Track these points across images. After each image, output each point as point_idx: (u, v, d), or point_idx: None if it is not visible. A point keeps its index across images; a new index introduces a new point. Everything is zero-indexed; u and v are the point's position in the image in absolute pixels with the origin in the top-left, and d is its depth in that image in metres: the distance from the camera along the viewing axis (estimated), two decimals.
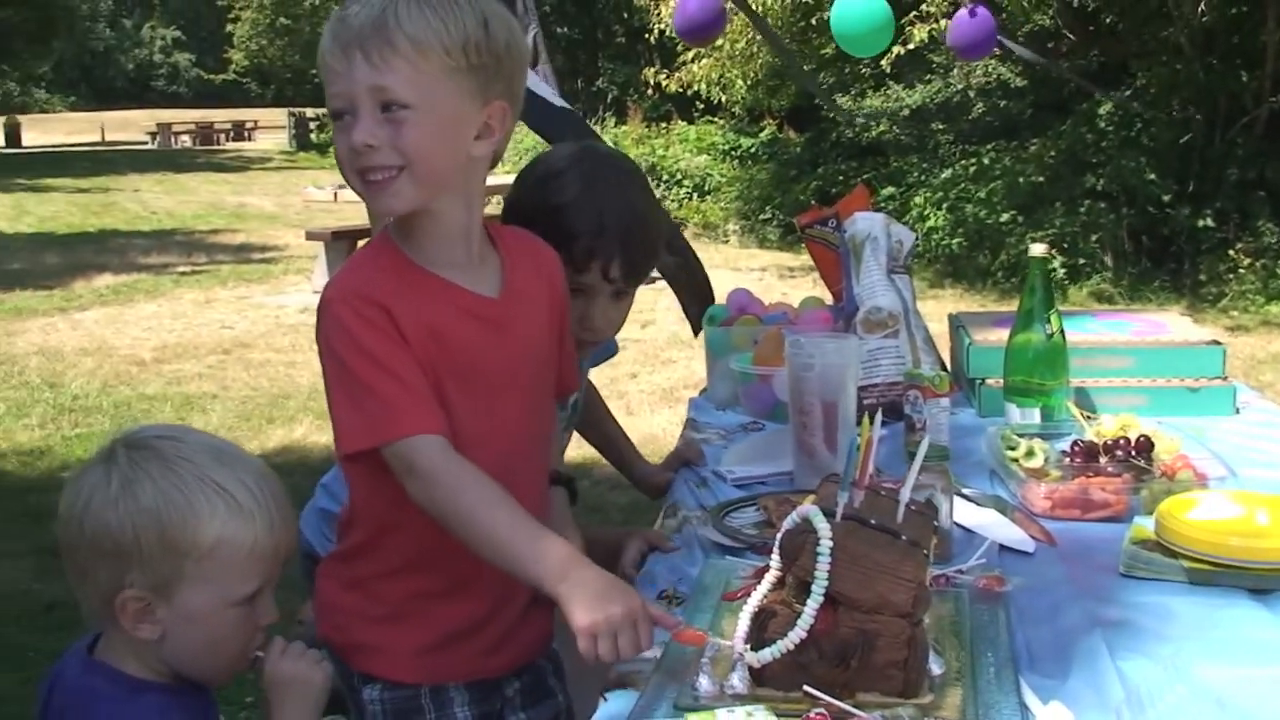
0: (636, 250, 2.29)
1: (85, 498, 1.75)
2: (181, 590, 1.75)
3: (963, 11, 6.97)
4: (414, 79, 1.77)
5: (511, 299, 1.96)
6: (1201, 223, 12.66)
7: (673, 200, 18.83)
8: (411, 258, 1.89)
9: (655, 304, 10.77)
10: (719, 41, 15.32)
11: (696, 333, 2.87)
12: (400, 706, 1.98)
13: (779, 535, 1.58)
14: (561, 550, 1.72)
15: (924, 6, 12.30)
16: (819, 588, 1.49)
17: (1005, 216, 13.65)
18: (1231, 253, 12.32)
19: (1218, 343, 2.96)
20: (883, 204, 15.16)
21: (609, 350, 2.76)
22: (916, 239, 3.13)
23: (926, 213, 14.48)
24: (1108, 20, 14.77)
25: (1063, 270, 12.66)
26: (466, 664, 1.98)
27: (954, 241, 13.93)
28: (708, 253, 16.09)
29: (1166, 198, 12.94)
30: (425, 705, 1.98)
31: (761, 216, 17.61)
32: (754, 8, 13.35)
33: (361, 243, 9.49)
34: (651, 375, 8.34)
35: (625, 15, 21.11)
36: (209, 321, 10.95)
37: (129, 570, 1.73)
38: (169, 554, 1.73)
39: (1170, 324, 3.14)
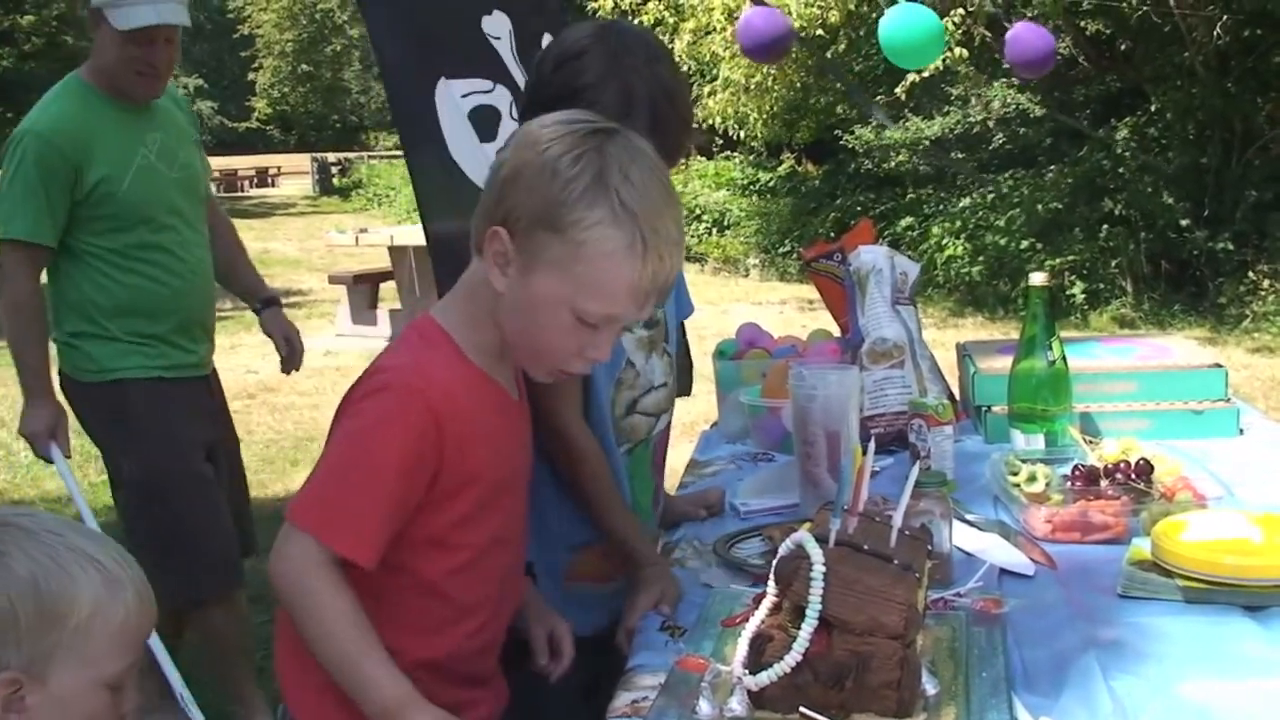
0: (668, 128, 2.19)
1: None
2: (55, 668, 1.65)
3: (1019, 27, 6.84)
4: None
5: (523, 399, 2.04)
6: (1220, 245, 12.65)
7: (693, 236, 18.90)
8: (469, 355, 1.90)
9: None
10: (734, 76, 15.42)
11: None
12: None
13: (774, 562, 1.63)
14: (392, 693, 1.75)
15: None
16: (813, 612, 1.53)
17: (1024, 244, 13.68)
18: (1251, 275, 12.31)
19: (1220, 365, 2.99)
20: (901, 234, 15.20)
21: (685, 311, 2.71)
22: (923, 269, 3.17)
23: (945, 242, 14.52)
24: (1123, 46, 14.82)
25: (1083, 296, 12.69)
26: None
27: (974, 270, 13.96)
28: (728, 287, 16.18)
29: (1185, 221, 12.95)
30: None
31: (781, 250, 17.66)
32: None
33: (385, 285, 9.48)
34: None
35: None
36: (233, 366, 11.00)
37: (4, 648, 1.63)
38: (46, 625, 1.64)
39: (1175, 348, 3.17)
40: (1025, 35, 6.73)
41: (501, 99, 3.39)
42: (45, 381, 3.77)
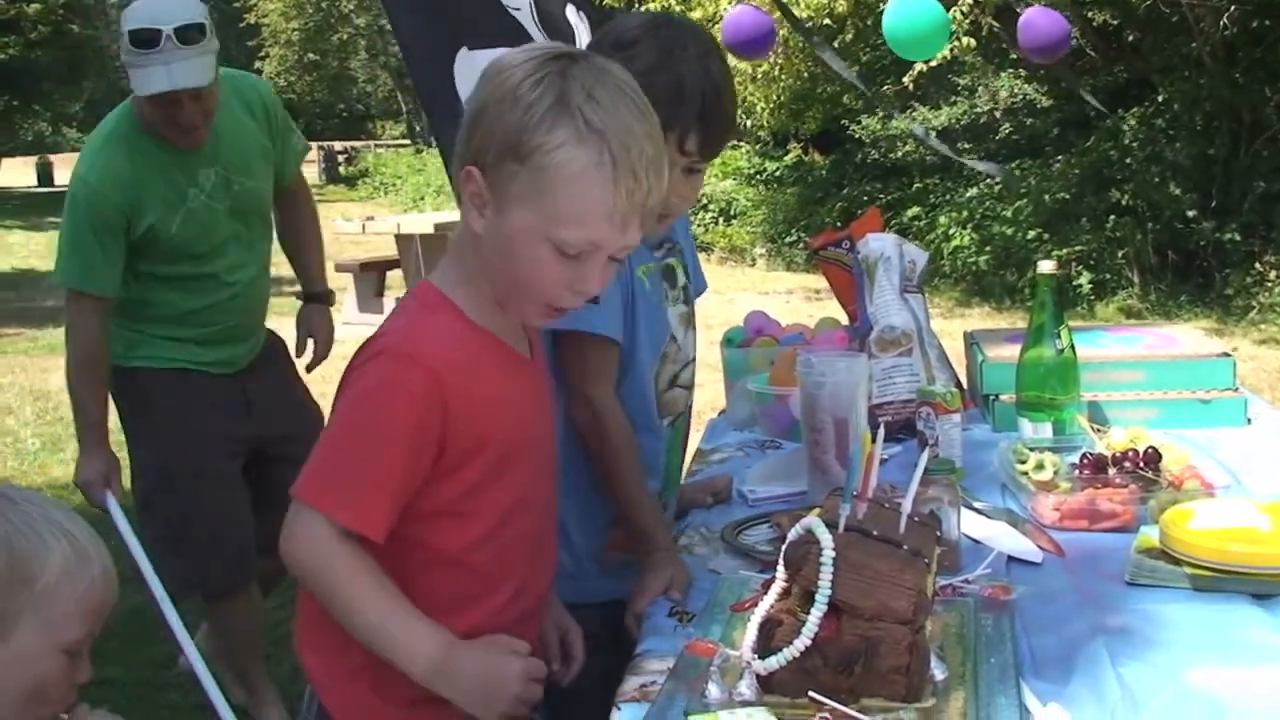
0: (714, 122, 2.21)
1: None
2: (19, 627, 1.73)
3: (1030, 11, 6.77)
4: None
5: (536, 359, 2.00)
6: (1227, 236, 12.63)
7: (699, 225, 18.89)
8: (472, 317, 1.85)
9: None
10: (741, 65, 15.39)
11: None
12: None
13: (784, 547, 1.63)
14: (432, 644, 1.75)
15: None
16: (822, 597, 1.54)
17: (1031, 234, 13.67)
18: (1259, 266, 12.29)
19: (1228, 354, 2.99)
20: (908, 224, 15.17)
21: (699, 287, 2.68)
22: (930, 259, 3.17)
23: (952, 232, 14.50)
24: (1130, 37, 14.78)
25: (1089, 286, 12.67)
26: None
27: (980, 260, 13.95)
28: (735, 276, 16.17)
29: (1192, 212, 12.92)
30: None
31: (788, 240, 17.66)
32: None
33: (392, 273, 9.51)
34: None
35: None
36: None
37: None
38: (15, 585, 1.72)
39: (1181, 337, 3.17)
40: (1038, 20, 6.67)
41: None
42: (101, 431, 3.78)
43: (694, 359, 2.55)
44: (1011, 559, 2.11)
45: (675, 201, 2.25)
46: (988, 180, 15.21)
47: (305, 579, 1.81)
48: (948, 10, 6.97)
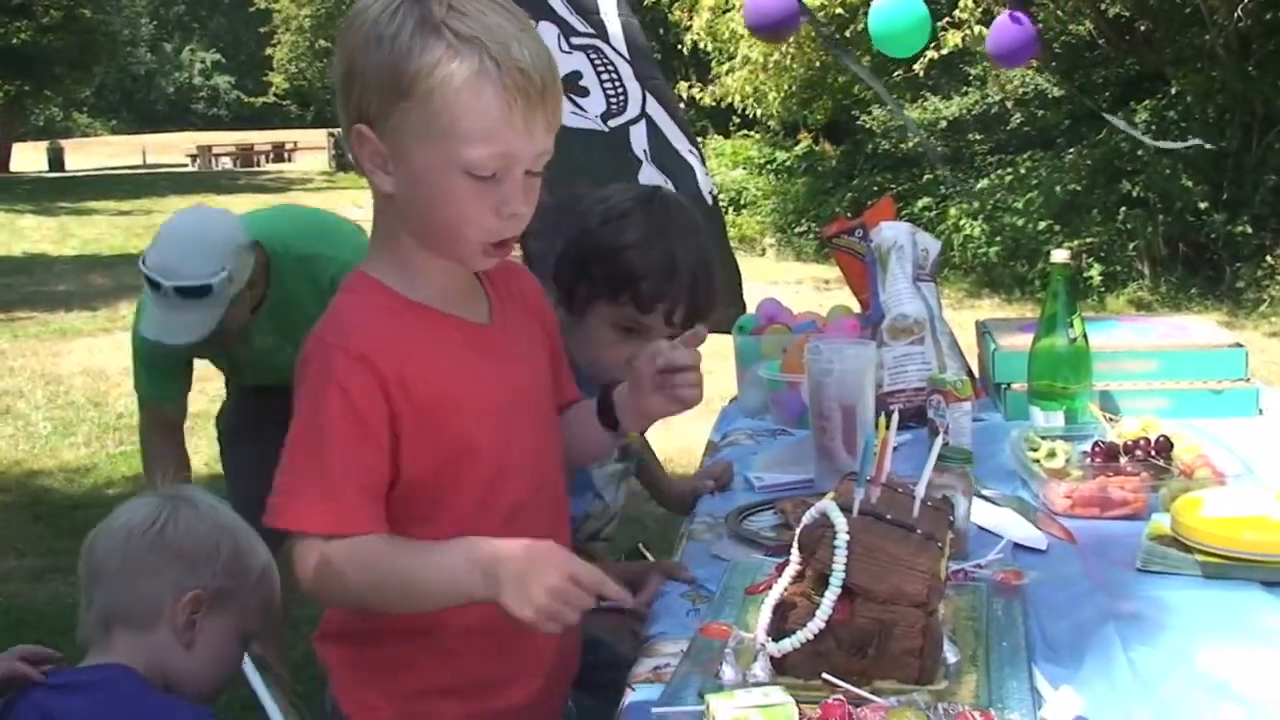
0: (702, 297, 2.30)
1: (166, 513, 2.02)
2: (223, 609, 1.98)
3: (1002, 17, 6.84)
4: None
5: (503, 325, 1.89)
6: (1239, 229, 12.60)
7: None
8: (404, 294, 1.79)
9: None
10: (753, 54, 15.37)
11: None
12: None
13: (798, 530, 1.64)
14: (465, 556, 1.67)
15: (956, 13, 12.32)
16: (836, 580, 1.54)
17: (1042, 225, 13.65)
18: (1269, 259, 12.27)
19: (1240, 345, 2.99)
20: (918, 215, 15.16)
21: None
22: (942, 248, 3.18)
23: (962, 223, 14.49)
24: (1142, 29, 14.75)
25: (1100, 278, 12.65)
26: None
27: (991, 251, 13.94)
28: (744, 266, 16.13)
29: (1203, 205, 12.90)
30: None
31: (798, 229, 17.64)
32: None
33: None
34: None
35: (660, 31, 21.24)
36: None
37: (201, 575, 1.99)
38: (236, 571, 2.00)
39: (1193, 327, 3.18)
40: (1005, 29, 6.73)
41: (548, 33, 3.44)
42: None
43: (621, 511, 2.61)
44: (1017, 546, 2.12)
45: None
46: (999, 171, 15.20)
47: (333, 601, 1.78)
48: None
